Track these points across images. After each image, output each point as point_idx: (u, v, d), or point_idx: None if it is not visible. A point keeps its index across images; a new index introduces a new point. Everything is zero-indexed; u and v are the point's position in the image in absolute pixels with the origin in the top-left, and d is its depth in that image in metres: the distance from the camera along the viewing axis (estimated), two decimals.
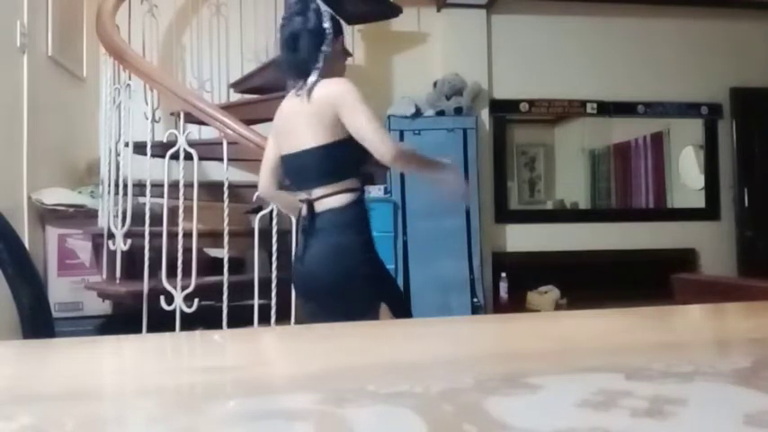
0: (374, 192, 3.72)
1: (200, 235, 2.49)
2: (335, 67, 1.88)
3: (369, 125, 1.74)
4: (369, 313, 1.77)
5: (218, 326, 2.36)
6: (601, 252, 4.27)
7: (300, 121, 1.82)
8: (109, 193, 2.70)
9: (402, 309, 1.96)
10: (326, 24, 1.84)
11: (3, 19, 2.62)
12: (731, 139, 4.55)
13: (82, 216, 2.87)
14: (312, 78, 1.80)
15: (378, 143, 1.73)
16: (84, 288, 2.80)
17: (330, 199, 1.80)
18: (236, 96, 3.67)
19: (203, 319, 2.40)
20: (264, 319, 2.40)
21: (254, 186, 2.66)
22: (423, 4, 4.21)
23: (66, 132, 3.26)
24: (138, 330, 2.42)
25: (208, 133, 2.99)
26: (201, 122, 2.69)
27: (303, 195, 1.87)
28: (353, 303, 1.76)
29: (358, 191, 1.83)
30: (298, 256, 1.90)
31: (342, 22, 1.92)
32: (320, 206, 1.81)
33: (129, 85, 2.66)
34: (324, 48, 1.83)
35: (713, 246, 4.46)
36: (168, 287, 2.42)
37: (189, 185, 2.47)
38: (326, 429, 0.32)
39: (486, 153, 4.16)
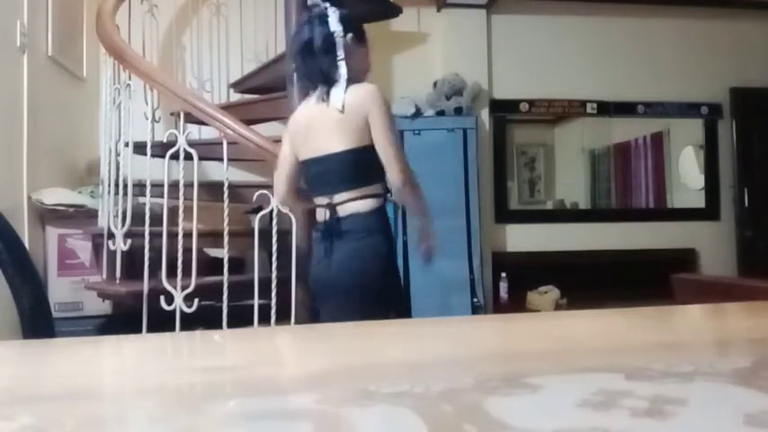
0: None
1: (200, 235, 2.48)
2: (358, 65, 1.86)
3: (391, 146, 1.76)
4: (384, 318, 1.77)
5: (218, 326, 2.36)
6: (601, 252, 4.27)
7: (324, 125, 1.81)
8: (109, 193, 2.70)
9: (403, 315, 1.97)
10: (335, 27, 1.82)
11: (3, 19, 2.62)
12: (731, 139, 4.54)
13: (82, 216, 2.87)
14: (339, 89, 1.79)
15: (395, 166, 1.77)
16: (84, 288, 2.80)
17: (354, 203, 1.80)
18: (236, 96, 3.67)
19: (203, 319, 2.40)
20: (264, 319, 2.39)
21: (254, 186, 2.66)
22: (423, 4, 4.21)
23: (66, 132, 3.25)
24: (138, 330, 2.42)
25: (208, 133, 2.99)
26: (201, 122, 2.68)
27: (324, 200, 1.86)
28: (372, 307, 1.75)
29: (381, 197, 1.83)
30: (319, 261, 1.87)
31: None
32: (343, 210, 1.81)
33: (129, 85, 2.66)
34: (339, 54, 1.81)
35: (713, 246, 4.45)
36: (168, 287, 2.41)
37: (189, 185, 2.47)
38: (326, 429, 0.32)
39: (486, 153, 4.15)
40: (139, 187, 2.68)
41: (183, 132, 2.50)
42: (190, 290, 2.41)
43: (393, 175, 1.77)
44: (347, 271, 1.79)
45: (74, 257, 2.93)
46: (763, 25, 4.55)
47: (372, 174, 1.80)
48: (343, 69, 1.81)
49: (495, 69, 4.26)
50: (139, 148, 2.66)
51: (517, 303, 3.91)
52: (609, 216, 4.46)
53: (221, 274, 2.40)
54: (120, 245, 2.56)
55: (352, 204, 1.80)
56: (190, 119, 2.61)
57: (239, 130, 2.46)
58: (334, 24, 1.83)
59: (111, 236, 2.59)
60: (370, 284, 1.77)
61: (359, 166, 1.79)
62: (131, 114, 2.66)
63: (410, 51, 4.23)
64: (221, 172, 2.52)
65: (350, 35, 1.86)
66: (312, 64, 1.84)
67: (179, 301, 2.40)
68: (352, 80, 1.82)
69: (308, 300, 2.19)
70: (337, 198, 1.82)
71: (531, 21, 4.37)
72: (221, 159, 2.49)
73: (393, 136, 1.77)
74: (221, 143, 2.50)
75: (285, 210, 2.33)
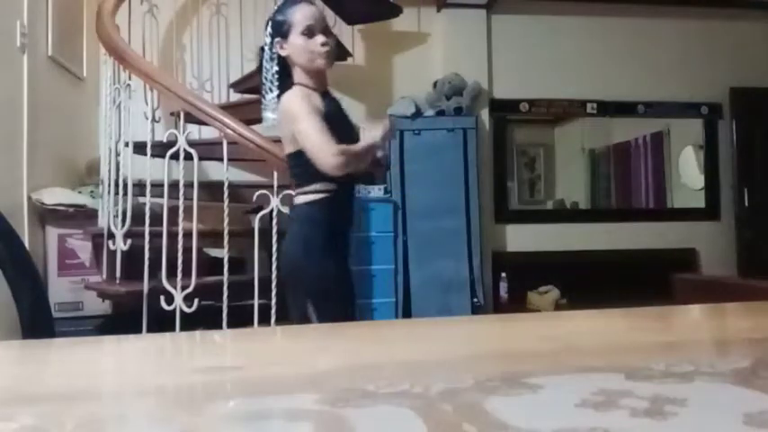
0: (374, 192, 3.72)
1: (200, 235, 2.48)
2: (299, 60, 1.87)
3: (311, 146, 1.78)
4: (301, 308, 1.84)
5: (218, 326, 2.36)
6: (601, 252, 4.27)
7: None
8: (109, 193, 2.70)
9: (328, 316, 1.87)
10: (266, 39, 1.90)
11: (3, 19, 2.62)
12: (731, 139, 4.54)
13: (82, 216, 2.87)
14: (268, 96, 1.92)
15: (318, 158, 1.78)
16: (84, 288, 2.80)
17: (299, 197, 1.89)
18: (236, 96, 3.67)
19: (203, 320, 2.40)
20: (264, 319, 2.39)
21: (254, 186, 2.66)
22: (423, 4, 4.21)
23: (66, 132, 3.25)
24: (138, 330, 2.42)
25: (208, 133, 2.99)
26: (201, 122, 2.68)
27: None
28: (292, 294, 1.88)
29: (327, 192, 1.84)
30: None
31: (291, 21, 1.87)
32: (294, 202, 1.93)
33: (129, 85, 2.66)
34: (265, 64, 1.91)
35: (713, 246, 4.45)
36: (168, 287, 2.41)
37: (189, 185, 2.47)
38: (326, 429, 0.32)
39: (486, 153, 4.15)
40: (139, 187, 2.68)
41: (183, 132, 2.50)
42: (190, 290, 2.41)
43: (321, 166, 1.79)
44: (282, 255, 1.93)
45: (74, 257, 2.93)
46: (763, 25, 4.55)
47: (311, 175, 1.83)
48: (265, 81, 1.91)
49: (495, 69, 4.26)
50: (139, 148, 2.65)
51: (517, 303, 3.91)
52: (609, 216, 4.46)
53: (221, 274, 2.41)
54: (120, 245, 2.55)
55: (298, 198, 1.90)
56: (190, 119, 2.61)
57: (239, 130, 2.46)
58: (267, 36, 1.91)
59: (111, 236, 2.59)
60: (290, 268, 1.87)
61: (298, 168, 1.88)
62: (131, 114, 2.66)
63: (410, 51, 4.23)
64: (221, 172, 2.51)
65: (276, 39, 1.88)
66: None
67: (179, 301, 2.40)
68: (299, 78, 1.88)
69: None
70: (293, 192, 1.94)
71: (531, 21, 4.36)
72: (221, 159, 2.49)
73: (305, 132, 1.78)
74: (221, 143, 2.50)
75: (285, 209, 2.33)
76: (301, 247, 1.85)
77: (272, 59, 1.90)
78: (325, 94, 1.91)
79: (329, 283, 1.85)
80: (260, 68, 1.96)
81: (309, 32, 1.85)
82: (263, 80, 1.93)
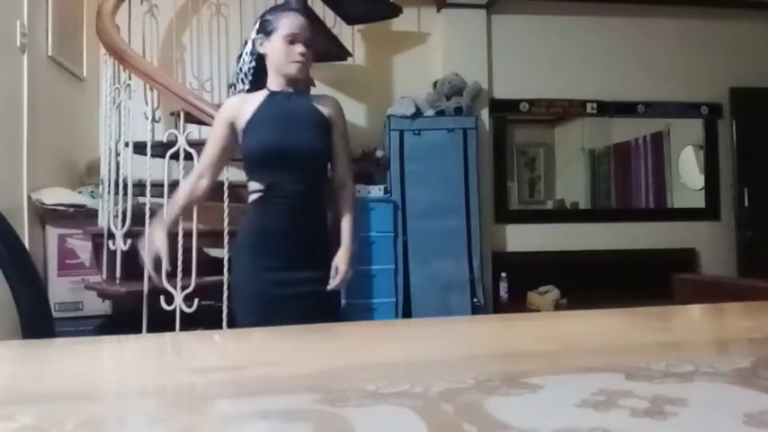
0: (374, 192, 3.72)
1: (200, 235, 2.49)
2: (274, 62, 1.89)
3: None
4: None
5: (218, 326, 2.36)
6: (601, 252, 4.27)
7: None
8: (109, 193, 2.70)
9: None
10: (252, 34, 1.94)
11: (3, 19, 2.62)
12: (731, 139, 4.54)
13: (82, 216, 2.87)
14: (239, 86, 1.99)
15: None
16: (84, 288, 2.80)
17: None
18: None
19: (203, 320, 2.40)
20: None
21: None
22: (423, 4, 4.21)
23: (66, 132, 3.25)
24: (138, 330, 2.42)
25: (208, 133, 2.99)
26: (201, 122, 2.68)
27: None
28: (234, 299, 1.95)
29: (257, 192, 1.86)
30: None
31: (278, 19, 1.91)
32: None
33: (129, 85, 2.66)
34: (245, 56, 1.96)
35: (713, 246, 4.45)
36: (168, 287, 2.42)
37: None
38: (326, 429, 0.32)
39: (486, 153, 4.15)
40: (139, 187, 2.68)
41: (183, 132, 2.50)
42: (190, 290, 2.41)
43: None
44: None
45: (74, 257, 2.93)
46: (763, 25, 4.55)
47: (246, 172, 1.92)
48: (237, 75, 1.99)
49: (495, 69, 4.26)
50: (139, 148, 2.66)
51: (517, 303, 3.91)
52: (609, 216, 4.46)
53: (221, 274, 2.40)
54: (120, 245, 2.56)
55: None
56: (190, 119, 2.61)
57: None
58: (253, 32, 1.94)
59: (111, 236, 2.59)
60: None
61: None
62: (131, 114, 2.66)
63: (410, 51, 4.23)
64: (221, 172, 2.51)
65: (260, 36, 1.91)
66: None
67: (179, 301, 2.40)
68: (270, 80, 1.92)
69: None
70: None
71: (531, 21, 4.36)
72: None
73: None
74: None
75: None
76: (235, 246, 1.93)
77: (251, 54, 1.94)
78: (283, 94, 1.89)
79: (238, 282, 1.89)
80: (239, 59, 2.01)
81: (291, 40, 1.88)
82: (239, 70, 1.99)
